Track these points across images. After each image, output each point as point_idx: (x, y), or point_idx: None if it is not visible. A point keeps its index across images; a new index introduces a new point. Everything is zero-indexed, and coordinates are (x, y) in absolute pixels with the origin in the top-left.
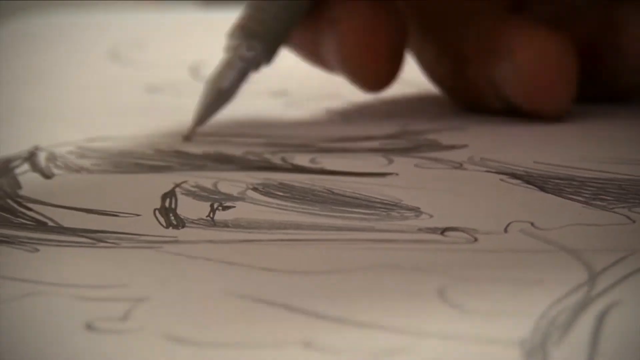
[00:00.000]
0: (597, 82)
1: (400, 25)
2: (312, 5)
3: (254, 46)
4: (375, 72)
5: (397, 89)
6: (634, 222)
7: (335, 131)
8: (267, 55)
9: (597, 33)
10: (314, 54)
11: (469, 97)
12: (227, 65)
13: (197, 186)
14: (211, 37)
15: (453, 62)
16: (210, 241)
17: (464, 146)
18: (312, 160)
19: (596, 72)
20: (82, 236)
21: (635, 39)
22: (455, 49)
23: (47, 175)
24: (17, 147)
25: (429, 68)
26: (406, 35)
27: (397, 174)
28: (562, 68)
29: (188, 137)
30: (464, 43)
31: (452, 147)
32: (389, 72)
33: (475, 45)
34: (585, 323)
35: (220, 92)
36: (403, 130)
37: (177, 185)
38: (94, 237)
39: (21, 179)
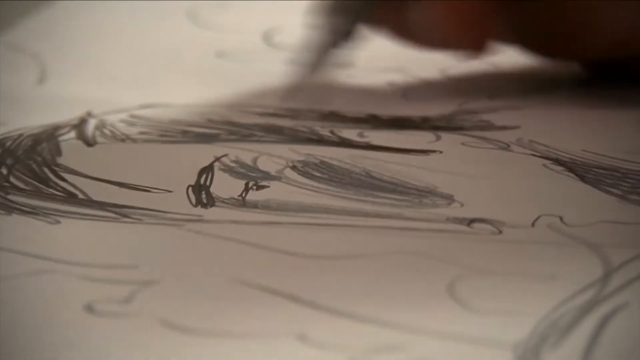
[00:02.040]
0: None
1: None
2: None
3: (336, 21)
4: (467, 37)
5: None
6: None
7: (392, 109)
8: (349, 30)
9: None
10: (401, 30)
11: (574, 41)
12: (313, 44)
13: (236, 161)
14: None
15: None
16: (235, 222)
17: (516, 127)
18: (360, 135)
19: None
20: (108, 210)
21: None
22: None
23: (90, 144)
24: (73, 111)
25: (530, 30)
26: None
27: (441, 152)
28: None
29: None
30: None
31: (503, 128)
32: (481, 36)
33: None
34: (587, 326)
35: (306, 67)
36: (459, 110)
37: (217, 159)
38: (119, 212)
39: (64, 145)
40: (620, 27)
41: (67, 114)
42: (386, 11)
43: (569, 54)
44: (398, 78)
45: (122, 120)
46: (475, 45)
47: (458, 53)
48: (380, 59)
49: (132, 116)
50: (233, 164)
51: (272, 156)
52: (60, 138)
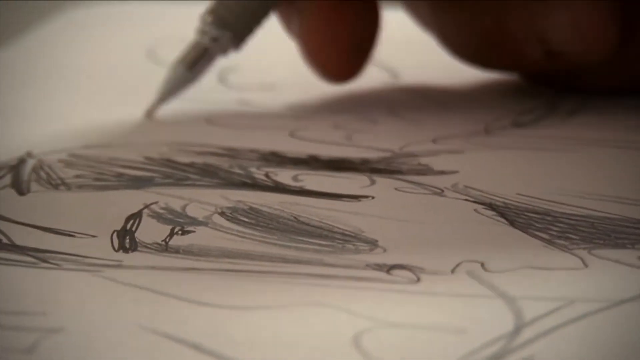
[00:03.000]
0: None
1: (366, 18)
2: None
3: (223, 32)
4: (336, 67)
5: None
6: (586, 266)
7: (333, 150)
8: (235, 41)
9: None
10: (292, 31)
11: (507, 51)
12: (195, 47)
13: (165, 208)
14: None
15: (491, 19)
16: (153, 267)
17: (454, 172)
18: (295, 178)
19: None
20: (29, 255)
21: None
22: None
23: (22, 192)
24: (14, 151)
25: (461, 35)
26: (374, 29)
27: (373, 198)
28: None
29: (149, 113)
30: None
31: (441, 173)
32: (351, 67)
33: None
34: None
35: (185, 73)
36: (399, 154)
37: (147, 207)
38: (39, 257)
39: None
40: (557, 36)
41: (8, 154)
42: (280, 17)
43: (505, 64)
44: (345, 118)
45: (61, 160)
46: (345, 73)
47: (325, 78)
48: (330, 100)
49: (71, 155)
50: (162, 211)
51: (202, 203)
52: None
